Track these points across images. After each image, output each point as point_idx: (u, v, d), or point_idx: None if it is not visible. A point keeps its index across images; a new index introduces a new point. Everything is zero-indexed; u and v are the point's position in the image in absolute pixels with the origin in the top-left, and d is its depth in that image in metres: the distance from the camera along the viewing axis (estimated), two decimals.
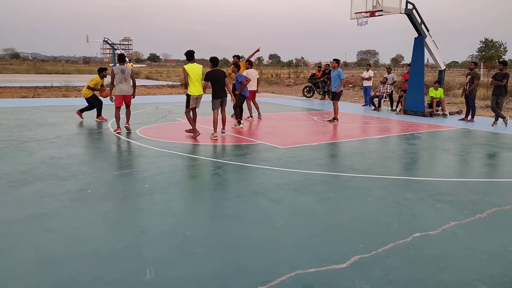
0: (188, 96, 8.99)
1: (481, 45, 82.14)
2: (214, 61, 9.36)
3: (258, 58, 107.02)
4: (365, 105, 17.13)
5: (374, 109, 15.64)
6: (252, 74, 11.85)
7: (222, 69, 10.35)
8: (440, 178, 6.11)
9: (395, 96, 16.08)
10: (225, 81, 9.21)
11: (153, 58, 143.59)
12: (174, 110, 14.09)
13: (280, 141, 8.92)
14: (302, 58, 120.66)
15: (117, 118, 9.67)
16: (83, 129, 9.89)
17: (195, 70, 8.89)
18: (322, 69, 20.65)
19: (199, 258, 3.45)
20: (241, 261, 3.41)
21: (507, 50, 79.44)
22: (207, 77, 9.10)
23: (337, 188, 5.56)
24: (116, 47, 42.00)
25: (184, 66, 8.93)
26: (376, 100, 15.79)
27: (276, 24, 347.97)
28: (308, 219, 4.39)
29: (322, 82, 19.87)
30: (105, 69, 11.64)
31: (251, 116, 12.12)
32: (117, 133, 9.33)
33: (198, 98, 9.09)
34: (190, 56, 8.94)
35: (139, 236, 3.88)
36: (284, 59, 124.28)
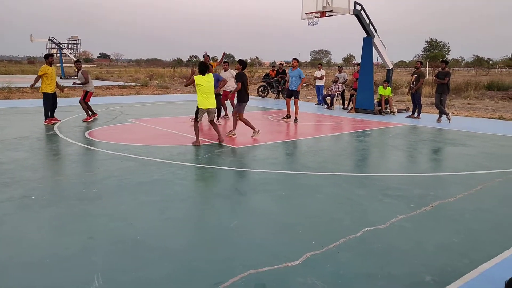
0: (197, 108, 8.29)
1: (426, 45, 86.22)
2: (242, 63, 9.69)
3: (212, 58, 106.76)
4: (318, 103, 17.47)
5: (327, 108, 15.98)
6: (228, 75, 11.82)
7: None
8: (389, 174, 6.32)
9: (347, 95, 16.52)
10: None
11: (103, 57, 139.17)
12: (125, 111, 13.71)
13: (235, 141, 8.89)
14: (257, 57, 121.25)
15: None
16: (27, 132, 9.39)
17: (206, 82, 8.13)
18: (276, 69, 20.83)
19: (151, 262, 3.36)
20: (194, 262, 3.36)
21: (450, 50, 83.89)
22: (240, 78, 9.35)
23: (290, 187, 5.62)
24: (63, 47, 40.15)
25: (195, 77, 8.13)
26: (328, 99, 16.14)
27: (231, 23, 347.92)
28: (262, 218, 4.39)
29: (276, 81, 20.05)
30: (52, 54, 11.17)
31: (227, 115, 12.41)
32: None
33: (208, 111, 8.34)
34: (203, 69, 8.13)
35: (87, 242, 3.73)
36: (240, 58, 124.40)
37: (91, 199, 4.93)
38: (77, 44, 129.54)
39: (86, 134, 9.28)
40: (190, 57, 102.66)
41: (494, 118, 13.13)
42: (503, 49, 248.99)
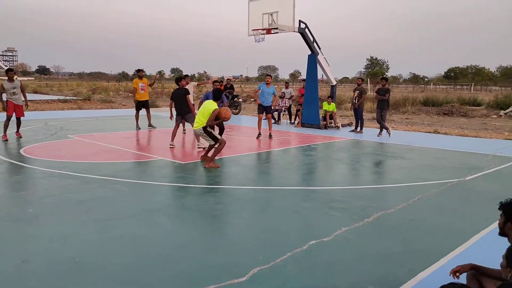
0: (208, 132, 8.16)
1: (368, 62, 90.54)
2: (176, 79, 10.36)
3: (159, 72, 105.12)
4: (265, 118, 17.67)
5: (274, 122, 16.21)
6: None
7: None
8: (334, 187, 6.49)
9: (293, 110, 16.87)
10: (187, 99, 9.83)
11: (42, 70, 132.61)
12: (65, 126, 13.10)
13: (181, 157, 8.76)
14: (205, 72, 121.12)
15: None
16: None
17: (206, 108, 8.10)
18: (224, 84, 20.90)
19: (92, 284, 3.19)
20: (138, 282, 3.24)
21: (389, 68, 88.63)
22: (172, 96, 9.99)
23: (238, 201, 5.60)
24: None
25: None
26: (276, 114, 16.40)
27: (179, 36, 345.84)
28: (209, 234, 4.34)
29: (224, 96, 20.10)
30: None
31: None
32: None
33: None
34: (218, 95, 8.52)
35: (21, 266, 3.48)
36: (186, 72, 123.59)
37: (26, 220, 4.63)
38: (13, 56, 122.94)
39: (21, 151, 8.75)
40: (136, 71, 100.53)
41: (430, 132, 13.94)
42: (437, 67, 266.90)
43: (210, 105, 8.02)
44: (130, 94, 36.46)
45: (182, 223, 4.70)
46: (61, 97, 28.19)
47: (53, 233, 4.28)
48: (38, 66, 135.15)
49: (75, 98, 28.41)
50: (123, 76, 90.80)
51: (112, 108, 22.17)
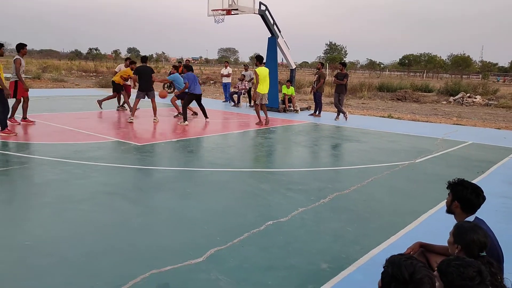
0: (257, 93, 10.91)
1: (327, 47, 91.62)
2: (142, 58, 11.16)
3: (115, 51, 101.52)
4: (225, 101, 17.58)
5: (234, 105, 16.16)
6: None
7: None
8: (292, 169, 6.59)
9: (253, 93, 16.84)
10: (152, 77, 10.79)
11: None
12: None
13: (138, 138, 8.57)
14: (163, 53, 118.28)
15: None
16: None
17: (263, 72, 10.87)
18: (182, 65, 20.47)
19: (44, 270, 3.08)
20: (93, 267, 3.16)
21: (347, 53, 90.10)
22: (136, 71, 10.81)
23: (196, 183, 5.56)
24: None
25: (256, 69, 10.89)
26: (235, 96, 16.33)
27: (136, 16, 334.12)
28: (166, 216, 4.29)
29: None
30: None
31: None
32: None
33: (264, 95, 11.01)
34: (260, 60, 11.12)
35: None
36: (144, 53, 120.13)
37: None
38: None
39: None
40: (90, 49, 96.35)
41: (384, 117, 14.39)
42: (393, 54, 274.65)
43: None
44: (83, 74, 35.06)
45: (138, 205, 4.62)
46: (8, 75, 26.61)
47: (2, 216, 4.08)
48: None
49: (24, 76, 26.88)
50: (76, 55, 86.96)
51: (64, 88, 21.24)
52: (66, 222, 4.03)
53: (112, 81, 12.71)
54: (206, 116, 11.24)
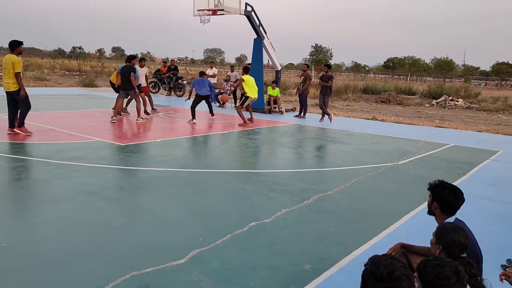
0: (247, 97, 11.70)
1: (312, 49, 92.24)
2: (128, 57, 11.12)
3: (99, 50, 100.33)
4: (211, 101, 17.48)
5: (219, 106, 16.11)
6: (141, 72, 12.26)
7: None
8: (276, 170, 6.59)
9: (238, 94, 16.81)
10: (131, 76, 10.54)
11: None
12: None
13: (121, 138, 8.47)
14: (148, 52, 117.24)
15: None
16: None
17: (251, 80, 11.76)
18: (167, 65, 20.36)
19: (21, 271, 3.01)
20: (73, 268, 3.11)
21: (333, 55, 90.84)
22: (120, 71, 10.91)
23: (180, 184, 5.51)
24: None
25: (243, 76, 11.72)
26: (220, 97, 16.26)
27: (121, 15, 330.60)
28: (149, 217, 4.24)
29: (167, 77, 19.60)
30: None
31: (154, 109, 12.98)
32: None
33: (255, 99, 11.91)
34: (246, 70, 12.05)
35: None
36: (129, 52, 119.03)
37: None
38: None
39: None
40: (74, 48, 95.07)
41: (368, 119, 14.51)
42: (378, 57, 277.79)
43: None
44: (67, 73, 34.55)
45: (119, 206, 4.55)
46: None
47: None
48: None
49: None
50: (59, 53, 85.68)
51: (47, 87, 20.89)
52: (46, 222, 3.95)
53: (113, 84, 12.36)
54: (211, 114, 12.43)
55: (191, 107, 11.49)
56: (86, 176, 5.57)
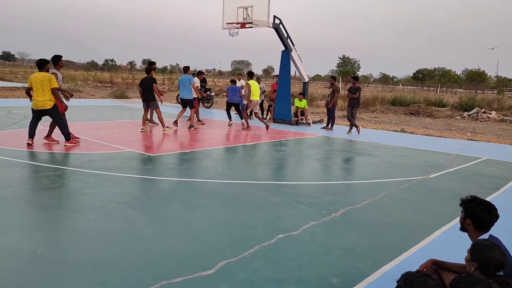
0: (251, 101, 12.56)
1: (340, 61, 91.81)
2: (146, 69, 11.54)
3: (130, 63, 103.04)
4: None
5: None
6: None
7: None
8: (303, 182, 6.56)
9: (265, 105, 16.91)
10: (154, 87, 10.86)
11: (7, 57, 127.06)
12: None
13: (151, 149, 8.64)
14: (177, 64, 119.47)
15: None
16: None
17: (254, 85, 12.64)
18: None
19: (53, 277, 3.11)
20: (103, 276, 3.18)
21: (360, 67, 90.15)
22: (140, 83, 11.26)
23: (207, 195, 5.57)
24: None
25: (248, 81, 12.68)
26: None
27: (151, 28, 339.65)
28: (176, 227, 4.30)
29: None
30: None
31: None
32: None
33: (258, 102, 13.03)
34: (251, 75, 13.27)
35: None
36: (159, 65, 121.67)
37: None
38: None
39: None
40: (106, 60, 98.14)
41: (397, 131, 14.29)
42: (407, 68, 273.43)
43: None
44: (99, 84, 35.58)
45: (149, 216, 4.64)
46: (26, 85, 27.16)
47: (13, 224, 4.13)
48: (2, 52, 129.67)
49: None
50: (92, 66, 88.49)
51: (80, 98, 21.58)
52: (77, 231, 4.06)
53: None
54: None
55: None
56: (116, 186, 5.71)
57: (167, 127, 11.06)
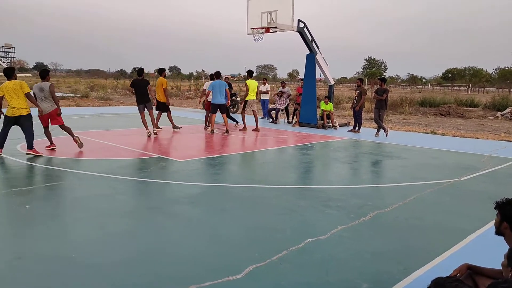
0: (246, 101, 12.96)
1: (366, 63, 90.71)
2: (138, 71, 11.88)
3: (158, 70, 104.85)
4: (264, 117, 17.68)
5: (272, 122, 16.22)
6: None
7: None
8: (330, 186, 6.50)
9: (291, 109, 16.87)
10: (148, 88, 11.28)
11: (40, 67, 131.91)
12: None
13: (178, 154, 8.76)
14: (203, 70, 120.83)
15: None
16: None
17: (252, 84, 12.96)
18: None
19: (84, 280, 3.18)
20: (132, 278, 3.23)
21: (387, 68, 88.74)
22: (132, 84, 11.49)
23: (233, 199, 5.59)
24: None
25: (246, 81, 13.05)
26: (273, 113, 16.41)
27: (176, 35, 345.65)
28: (204, 232, 4.33)
29: None
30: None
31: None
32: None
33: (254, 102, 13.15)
34: (250, 74, 13.54)
35: (14, 263, 3.47)
36: (185, 71, 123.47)
37: (22, 216, 4.61)
38: (11, 52, 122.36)
39: (18, 147, 8.73)
40: (134, 68, 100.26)
41: (427, 133, 13.96)
42: (436, 69, 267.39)
43: None
44: (128, 92, 36.36)
45: (178, 220, 4.70)
46: (59, 94, 28.09)
47: (48, 229, 4.27)
48: (35, 63, 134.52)
49: (73, 95, 28.37)
50: (121, 74, 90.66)
51: (110, 106, 22.13)
52: (106, 235, 4.16)
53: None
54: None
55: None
56: (145, 191, 5.81)
57: (154, 131, 11.30)
